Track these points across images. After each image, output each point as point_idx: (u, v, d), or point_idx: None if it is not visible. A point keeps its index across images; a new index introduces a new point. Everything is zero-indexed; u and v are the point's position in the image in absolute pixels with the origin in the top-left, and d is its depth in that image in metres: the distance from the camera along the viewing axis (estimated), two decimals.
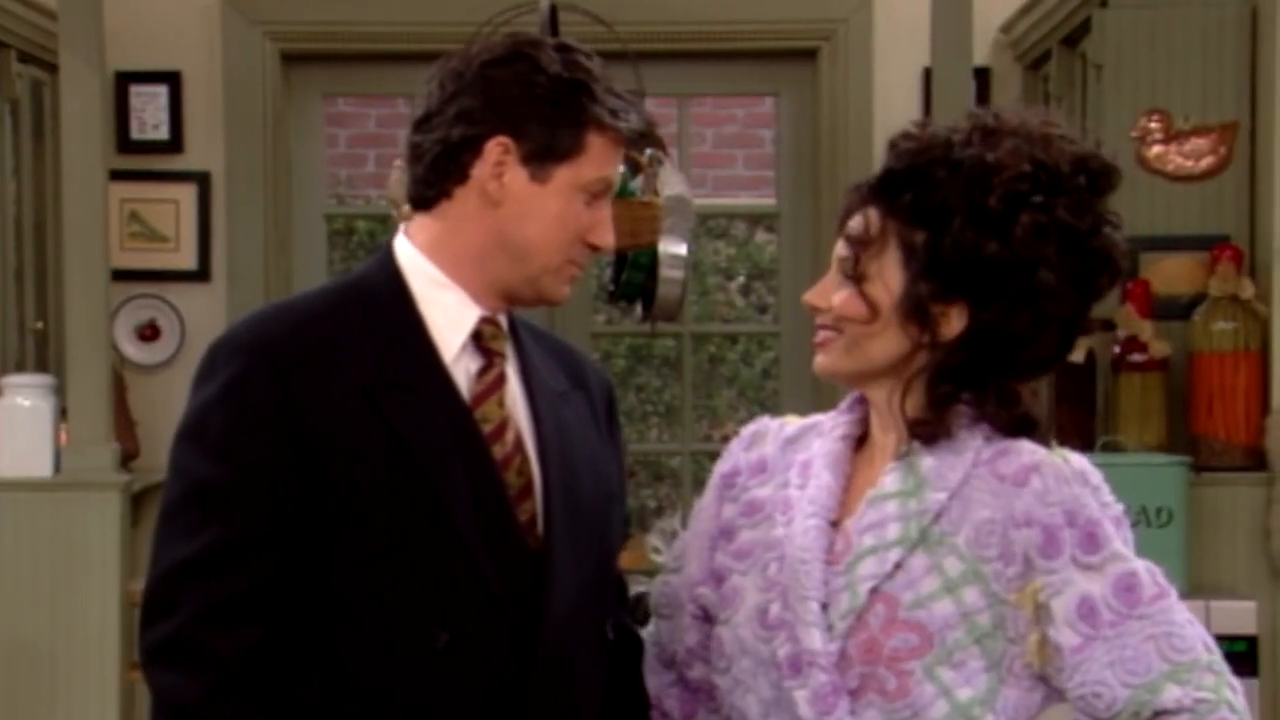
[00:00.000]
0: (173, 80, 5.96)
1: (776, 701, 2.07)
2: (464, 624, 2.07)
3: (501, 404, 2.16)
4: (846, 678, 2.03)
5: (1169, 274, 4.88)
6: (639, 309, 4.75)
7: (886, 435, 2.12)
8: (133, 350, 5.96)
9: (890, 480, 2.08)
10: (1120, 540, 2.03)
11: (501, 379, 2.17)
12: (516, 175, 2.12)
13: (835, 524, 2.10)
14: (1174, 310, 4.85)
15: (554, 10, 4.65)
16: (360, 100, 7.94)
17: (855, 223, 2.10)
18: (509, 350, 2.20)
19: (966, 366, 2.08)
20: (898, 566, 2.03)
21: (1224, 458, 4.75)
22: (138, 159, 5.95)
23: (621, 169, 4.22)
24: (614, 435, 2.31)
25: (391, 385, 2.08)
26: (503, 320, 2.20)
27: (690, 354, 6.56)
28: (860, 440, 2.17)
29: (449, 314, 2.15)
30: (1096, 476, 2.06)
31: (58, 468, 4.85)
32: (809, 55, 6.09)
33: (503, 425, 2.15)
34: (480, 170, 2.13)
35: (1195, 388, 4.78)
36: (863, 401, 2.17)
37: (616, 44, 4.76)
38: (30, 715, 4.80)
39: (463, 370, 2.15)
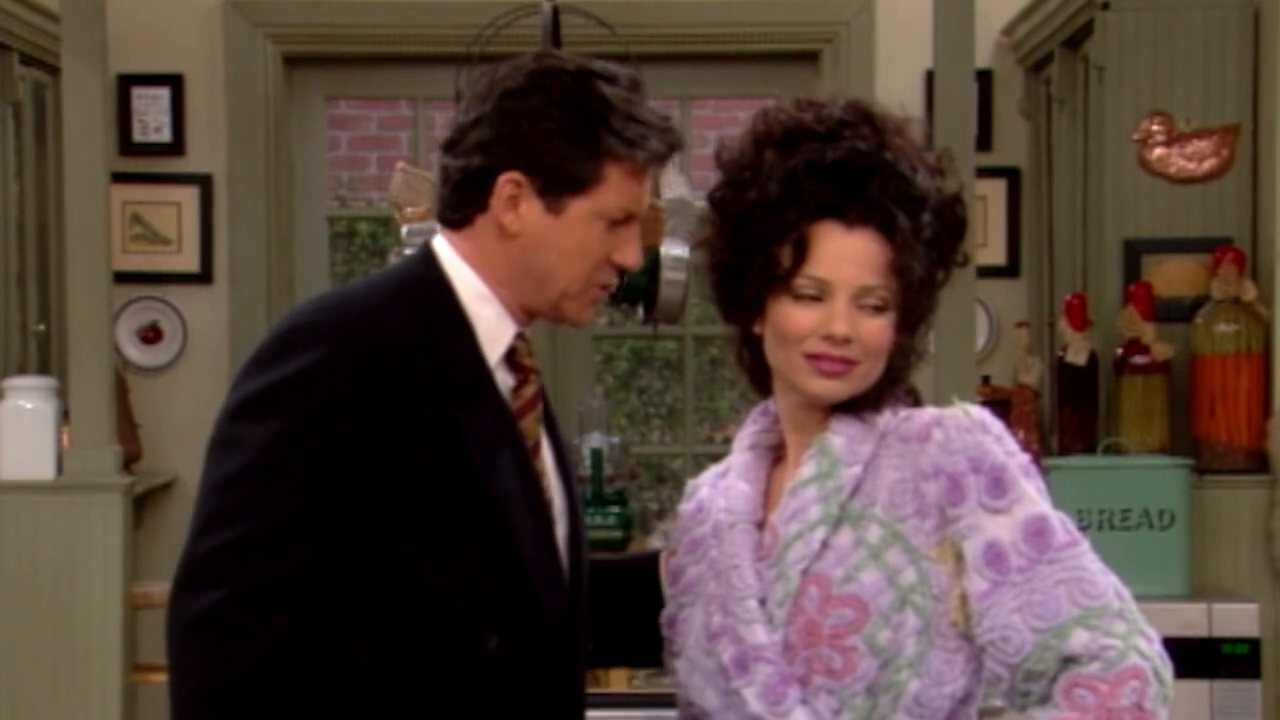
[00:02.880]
0: (175, 82, 5.96)
1: (726, 707, 2.09)
2: (513, 633, 2.09)
3: (539, 421, 2.18)
4: (794, 665, 2.05)
5: (1171, 276, 4.88)
6: (641, 311, 4.75)
7: (800, 435, 2.15)
8: (135, 352, 5.96)
9: (807, 468, 2.11)
10: (1031, 488, 2.05)
11: (539, 396, 2.20)
12: (532, 207, 2.13)
13: (761, 525, 2.13)
14: (1176, 313, 4.85)
15: (556, 13, 4.65)
16: (362, 102, 7.93)
17: (878, 251, 2.08)
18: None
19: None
20: (825, 546, 2.06)
21: (1226, 460, 4.74)
22: (140, 161, 5.95)
23: None
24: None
25: (455, 391, 2.09)
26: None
27: (692, 356, 6.55)
28: (778, 451, 2.20)
29: (489, 327, 2.16)
30: (998, 426, 2.09)
31: (60, 470, 4.85)
32: (811, 58, 6.09)
33: (538, 444, 2.18)
34: (496, 202, 2.14)
35: (1197, 390, 4.78)
36: (765, 413, 2.21)
37: (618, 46, 4.76)
38: (32, 717, 4.80)
39: (500, 384, 2.16)
